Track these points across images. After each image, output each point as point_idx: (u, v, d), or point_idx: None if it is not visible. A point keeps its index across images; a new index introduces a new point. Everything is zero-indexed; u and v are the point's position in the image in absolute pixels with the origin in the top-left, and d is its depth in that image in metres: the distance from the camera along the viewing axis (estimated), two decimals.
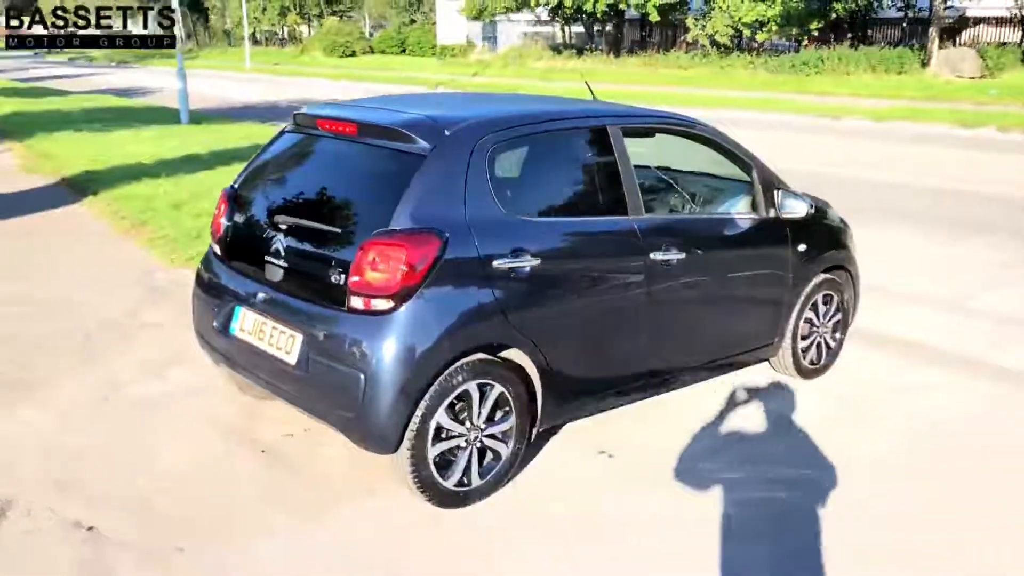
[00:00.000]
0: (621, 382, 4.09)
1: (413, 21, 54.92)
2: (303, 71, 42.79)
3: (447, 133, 3.53)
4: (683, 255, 4.10)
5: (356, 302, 3.34)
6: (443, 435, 3.46)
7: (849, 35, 31.53)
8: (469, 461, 3.56)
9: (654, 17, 32.60)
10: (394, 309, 3.29)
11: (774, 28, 29.58)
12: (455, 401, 3.47)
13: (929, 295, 6.58)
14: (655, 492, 3.75)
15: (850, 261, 5.14)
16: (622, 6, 32.74)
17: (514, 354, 3.61)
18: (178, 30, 20.58)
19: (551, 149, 3.96)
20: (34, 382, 4.72)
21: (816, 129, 18.37)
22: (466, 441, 3.53)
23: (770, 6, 28.55)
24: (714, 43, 31.69)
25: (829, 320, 5.04)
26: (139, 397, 4.54)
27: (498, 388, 3.55)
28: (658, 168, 5.04)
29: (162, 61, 55.22)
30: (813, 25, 29.71)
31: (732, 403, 4.66)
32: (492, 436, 3.62)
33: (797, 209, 4.55)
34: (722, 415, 4.52)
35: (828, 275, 4.96)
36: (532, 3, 35.15)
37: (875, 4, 31.77)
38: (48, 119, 17.06)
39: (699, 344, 4.44)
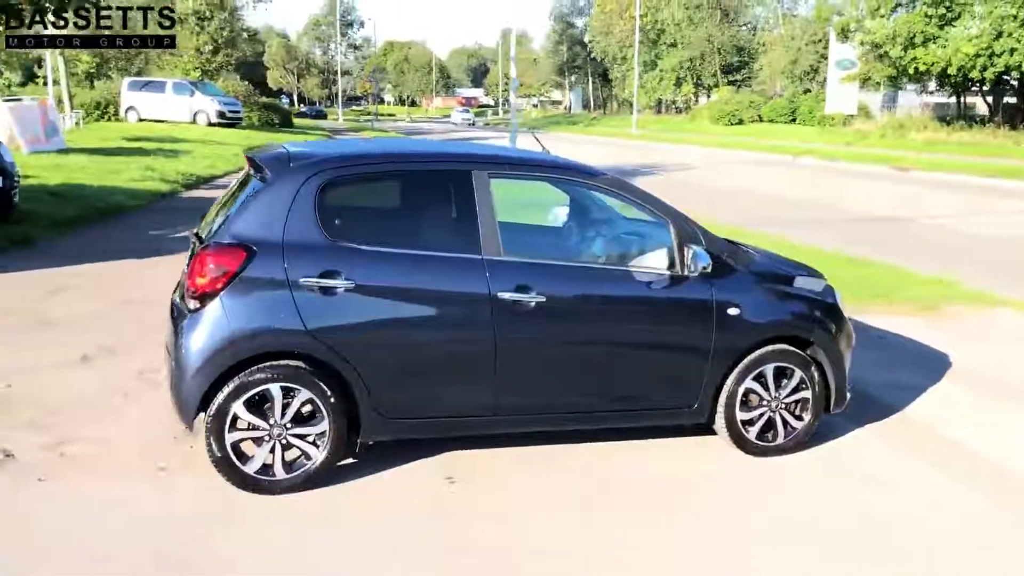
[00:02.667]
0: (460, 412, 4.22)
1: (808, 91, 53.67)
2: (678, 138, 44.11)
3: (291, 166, 4.09)
4: (543, 299, 4.13)
5: (189, 302, 3.99)
6: (243, 425, 3.94)
7: None
8: (274, 455, 3.99)
9: None
10: (199, 309, 3.90)
11: None
12: (260, 398, 3.95)
13: None
14: (460, 520, 3.87)
15: (822, 336, 4.60)
16: (1015, 73, 29.08)
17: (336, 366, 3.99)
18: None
19: (398, 187, 4.28)
20: (116, 352, 6.04)
21: None
22: (269, 436, 3.97)
23: None
24: None
25: (788, 396, 4.57)
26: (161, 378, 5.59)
27: (305, 393, 3.95)
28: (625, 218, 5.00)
29: (565, 128, 60.10)
30: None
31: (642, 461, 4.49)
32: (303, 438, 4.01)
33: (698, 265, 4.29)
34: (609, 468, 4.40)
35: (783, 346, 4.52)
36: (911, 71, 32.58)
37: None
38: None
39: (568, 389, 4.35)
